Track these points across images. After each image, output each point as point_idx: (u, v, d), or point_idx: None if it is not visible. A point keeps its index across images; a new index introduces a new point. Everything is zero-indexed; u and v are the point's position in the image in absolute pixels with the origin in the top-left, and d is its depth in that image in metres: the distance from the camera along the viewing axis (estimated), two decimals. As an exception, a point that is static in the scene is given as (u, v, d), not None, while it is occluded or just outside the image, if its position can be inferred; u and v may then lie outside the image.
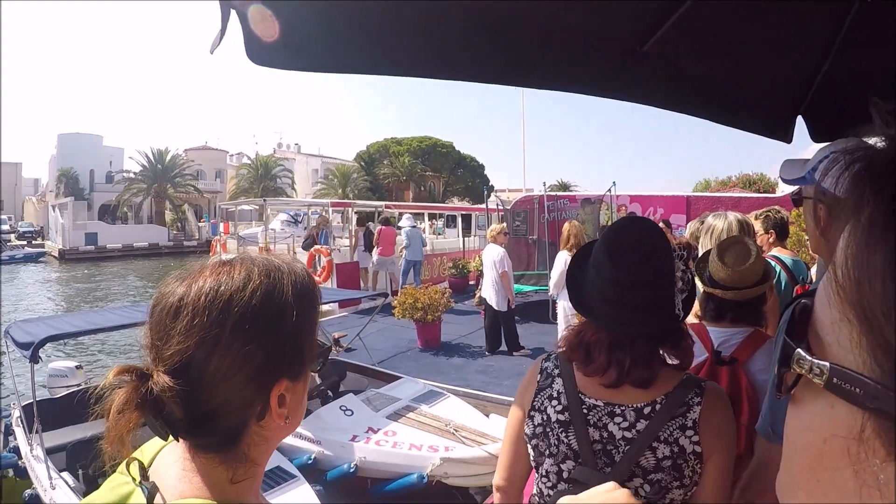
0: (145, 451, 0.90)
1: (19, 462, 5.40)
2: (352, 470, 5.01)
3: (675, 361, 1.44)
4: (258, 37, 1.53)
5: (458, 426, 5.46)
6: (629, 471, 1.36)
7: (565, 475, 1.42)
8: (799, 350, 0.40)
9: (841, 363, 0.36)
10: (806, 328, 0.41)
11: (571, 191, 35.30)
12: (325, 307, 11.75)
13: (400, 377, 6.91)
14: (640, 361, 1.38)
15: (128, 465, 0.83)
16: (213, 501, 0.80)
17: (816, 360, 0.38)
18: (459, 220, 21.31)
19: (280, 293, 0.86)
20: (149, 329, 0.85)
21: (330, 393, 6.70)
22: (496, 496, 1.62)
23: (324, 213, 17.48)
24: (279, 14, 1.53)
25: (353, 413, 5.72)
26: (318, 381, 7.10)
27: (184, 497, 0.80)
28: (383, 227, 14.26)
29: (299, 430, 5.45)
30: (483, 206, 17.61)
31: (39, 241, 48.50)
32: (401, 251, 14.36)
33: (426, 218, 23.84)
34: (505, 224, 9.80)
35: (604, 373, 1.40)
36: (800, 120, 2.64)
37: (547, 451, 1.46)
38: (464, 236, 19.67)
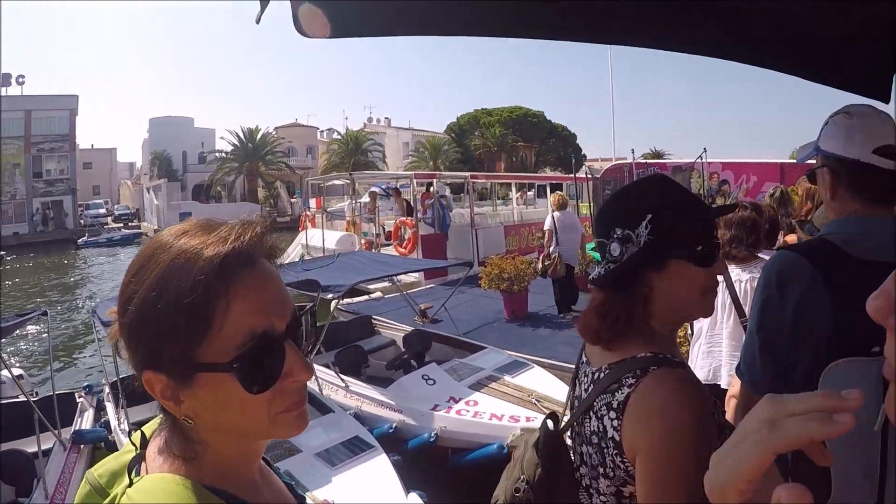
0: (155, 422, 0.88)
1: (109, 436, 5.68)
2: (432, 439, 5.02)
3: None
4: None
5: (541, 396, 5.37)
6: (581, 434, 1.30)
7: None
8: None
9: None
10: None
11: (665, 159, 34.11)
12: (410, 278, 11.86)
13: (484, 347, 6.88)
14: (595, 311, 1.32)
15: (131, 435, 0.83)
16: (173, 475, 0.75)
17: None
18: (548, 190, 20.94)
19: (136, 278, 0.75)
20: None
21: (414, 363, 6.76)
22: None
23: (408, 186, 17.63)
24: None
25: (435, 382, 5.73)
26: (403, 350, 7.17)
27: (160, 469, 0.77)
28: (426, 192, 15.88)
29: (381, 398, 5.52)
30: (573, 175, 17.23)
31: (135, 222, 50.54)
32: None
33: (514, 188, 23.60)
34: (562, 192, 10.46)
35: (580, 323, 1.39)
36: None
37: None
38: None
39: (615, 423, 1.18)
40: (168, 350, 0.72)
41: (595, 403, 1.24)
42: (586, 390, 1.31)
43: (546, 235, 9.37)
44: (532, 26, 1.97)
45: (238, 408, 0.74)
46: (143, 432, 0.84)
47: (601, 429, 1.21)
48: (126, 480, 0.78)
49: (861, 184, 1.45)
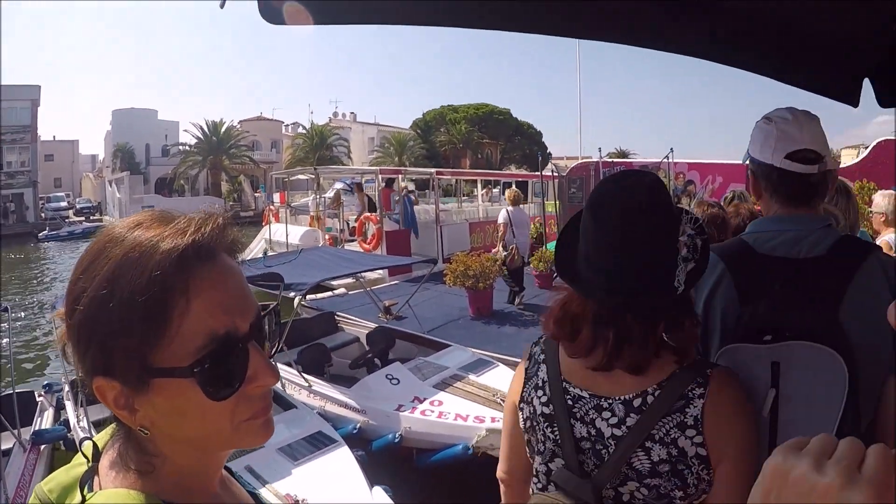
0: (107, 432, 0.80)
1: (68, 434, 5.53)
2: (396, 440, 4.96)
3: (674, 345, 1.21)
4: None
5: (506, 396, 5.32)
6: (621, 473, 1.17)
7: (553, 476, 1.27)
8: None
9: None
10: None
11: (630, 158, 34.59)
12: (374, 274, 11.76)
13: (449, 345, 6.82)
14: (631, 340, 1.16)
15: (82, 445, 0.75)
16: (128, 490, 0.69)
17: None
18: (513, 187, 21.04)
19: (86, 275, 0.68)
20: None
21: (377, 361, 6.68)
22: (501, 488, 1.50)
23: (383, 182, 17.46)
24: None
25: (399, 382, 5.65)
26: (367, 348, 7.08)
27: (115, 484, 0.70)
28: (385, 188, 15.80)
29: (345, 399, 5.44)
30: (538, 173, 17.32)
31: (97, 216, 48.97)
32: None
33: (479, 185, 23.60)
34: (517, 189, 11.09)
35: (589, 352, 1.20)
36: (868, 84, 2.40)
37: (536, 449, 1.31)
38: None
39: (696, 438, 1.13)
40: (121, 354, 0.65)
41: (655, 432, 1.15)
42: (617, 424, 1.19)
43: (502, 228, 10.09)
44: (498, 18, 1.93)
45: (198, 416, 0.69)
46: (94, 443, 0.75)
47: (675, 453, 1.13)
48: (78, 496, 0.71)
49: (776, 186, 1.57)
